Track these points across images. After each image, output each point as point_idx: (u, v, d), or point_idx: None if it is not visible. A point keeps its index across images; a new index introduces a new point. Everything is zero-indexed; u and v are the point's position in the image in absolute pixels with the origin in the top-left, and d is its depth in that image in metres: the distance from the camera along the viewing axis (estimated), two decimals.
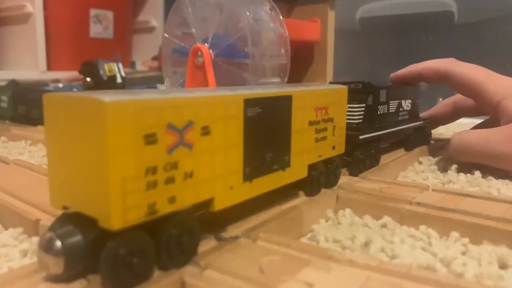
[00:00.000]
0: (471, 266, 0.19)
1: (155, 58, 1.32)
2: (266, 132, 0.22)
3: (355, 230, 0.24)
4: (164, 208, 0.16)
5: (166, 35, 0.48)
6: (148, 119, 0.16)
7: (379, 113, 0.37)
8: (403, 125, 0.41)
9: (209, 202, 0.19)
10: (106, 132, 0.14)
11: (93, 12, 1.22)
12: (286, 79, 0.44)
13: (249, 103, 0.20)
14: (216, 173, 0.19)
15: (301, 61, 0.59)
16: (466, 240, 0.22)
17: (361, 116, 0.35)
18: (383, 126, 0.37)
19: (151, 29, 1.46)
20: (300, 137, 0.25)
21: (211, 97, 0.18)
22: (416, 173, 0.38)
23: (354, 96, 0.34)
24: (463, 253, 0.21)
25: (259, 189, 0.22)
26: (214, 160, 0.19)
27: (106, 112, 0.14)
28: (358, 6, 1.13)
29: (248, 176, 0.21)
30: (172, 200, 0.17)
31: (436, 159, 0.43)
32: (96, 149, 0.15)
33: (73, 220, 0.16)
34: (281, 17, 0.44)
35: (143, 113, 0.15)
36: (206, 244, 0.18)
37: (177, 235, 0.17)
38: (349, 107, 0.32)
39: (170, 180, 0.17)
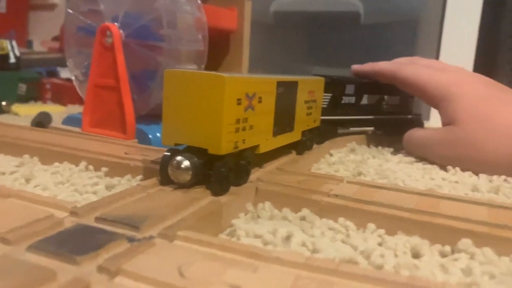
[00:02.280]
0: (388, 257, 0.19)
1: (56, 39, 1.20)
2: (285, 105, 0.32)
3: (275, 223, 0.23)
4: (240, 146, 0.26)
5: (70, 10, 0.43)
6: (239, 89, 0.25)
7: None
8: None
9: (256, 147, 0.29)
10: (223, 94, 0.23)
11: None
12: (203, 66, 0.42)
13: (279, 84, 0.30)
14: (262, 128, 0.29)
15: (216, 50, 0.57)
16: (382, 231, 0.23)
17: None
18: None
19: (51, 6, 1.33)
20: (300, 110, 0.35)
21: (263, 78, 0.28)
22: (328, 165, 0.39)
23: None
24: (380, 244, 0.22)
25: (279, 143, 0.32)
26: (261, 119, 0.28)
27: (225, 83, 0.23)
28: None
29: (275, 133, 0.31)
30: (243, 141, 0.26)
31: (345, 150, 0.45)
32: (215, 104, 0.24)
33: (184, 151, 0.25)
34: (199, 1, 0.41)
35: (237, 86, 0.25)
36: (116, 247, 0.16)
37: (245, 163, 0.27)
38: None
39: (243, 129, 0.26)
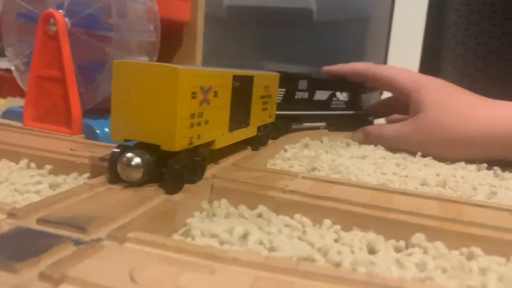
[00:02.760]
0: (345, 254, 0.19)
1: None
2: (240, 100, 0.31)
3: (231, 221, 0.23)
4: (195, 141, 0.25)
5: None
6: (194, 82, 0.24)
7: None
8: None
9: (211, 143, 0.28)
10: (177, 87, 0.22)
11: None
12: (155, 58, 0.40)
13: (235, 78, 0.29)
14: (217, 123, 0.28)
15: (169, 42, 0.55)
16: (338, 227, 0.23)
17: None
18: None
19: None
20: (255, 106, 0.34)
21: (219, 72, 0.27)
22: (283, 160, 0.39)
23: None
24: (336, 241, 0.22)
25: (235, 139, 0.32)
26: (217, 114, 0.28)
27: (179, 75, 0.22)
28: None
29: (231, 128, 0.30)
30: (198, 137, 0.25)
31: (299, 146, 0.45)
32: (168, 98, 0.22)
33: (134, 147, 0.24)
34: None
35: (192, 78, 0.24)
36: (60, 251, 0.15)
37: (200, 159, 0.26)
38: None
39: (198, 124, 0.25)
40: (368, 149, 0.46)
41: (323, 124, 0.54)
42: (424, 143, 0.43)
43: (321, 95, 0.50)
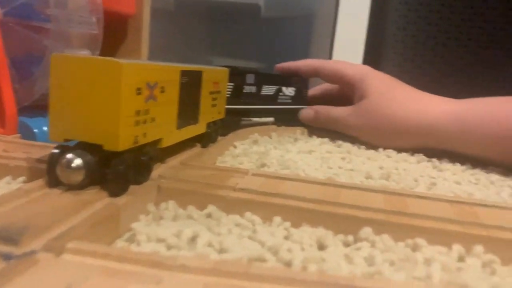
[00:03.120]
0: (296, 252, 0.19)
1: None
2: (188, 95, 0.30)
3: (179, 224, 0.22)
4: (141, 140, 0.24)
5: None
6: (139, 77, 0.23)
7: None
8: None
9: (158, 141, 0.27)
10: (120, 83, 0.21)
11: None
12: (97, 52, 0.38)
13: (183, 73, 0.29)
14: (165, 120, 0.27)
15: (112, 35, 0.53)
16: (288, 224, 0.23)
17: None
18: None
19: None
20: (204, 102, 0.34)
21: (166, 66, 0.27)
22: (232, 157, 0.38)
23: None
24: (286, 238, 0.21)
25: (183, 136, 0.31)
26: (164, 111, 0.27)
27: (122, 70, 0.21)
28: None
29: (179, 126, 0.29)
30: (144, 135, 0.24)
31: (249, 142, 0.45)
32: (111, 94, 0.21)
33: (75, 148, 0.22)
34: None
35: (137, 73, 0.23)
36: None
37: (146, 159, 0.25)
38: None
39: (144, 121, 0.24)
40: (314, 144, 0.47)
41: (272, 119, 0.54)
42: (364, 127, 0.47)
43: (268, 90, 0.51)
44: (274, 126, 0.53)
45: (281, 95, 0.53)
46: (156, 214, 0.23)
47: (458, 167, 0.41)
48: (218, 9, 1.16)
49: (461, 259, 0.20)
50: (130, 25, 0.55)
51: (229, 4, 1.12)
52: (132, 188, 0.23)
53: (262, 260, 0.18)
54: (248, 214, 0.23)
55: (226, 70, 0.39)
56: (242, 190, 0.25)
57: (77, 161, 0.21)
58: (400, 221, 0.22)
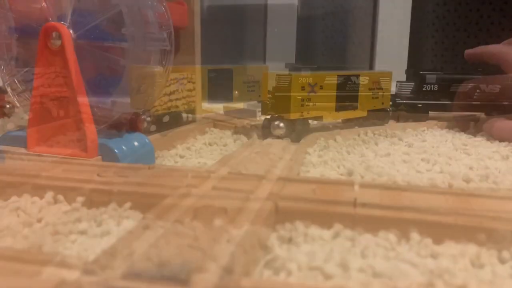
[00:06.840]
0: (460, 274, 0.17)
1: None
2: (347, 91, 0.46)
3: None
4: (305, 115, 0.43)
5: None
6: (301, 80, 0.41)
7: None
8: None
9: (321, 117, 0.45)
10: (291, 84, 0.41)
11: None
12: (170, 67, 0.37)
13: (339, 78, 0.45)
14: (324, 106, 0.44)
15: None
16: (428, 241, 0.21)
17: None
18: None
19: None
20: (363, 95, 0.48)
21: (321, 74, 0.43)
22: (313, 166, 0.37)
23: None
24: (433, 257, 0.20)
25: (341, 117, 0.47)
26: (324, 99, 0.43)
27: (293, 77, 0.41)
28: None
29: (338, 109, 0.45)
30: (308, 112, 0.43)
31: (318, 147, 0.43)
32: (288, 90, 0.41)
33: (276, 118, 0.42)
34: None
35: (301, 79, 0.41)
36: None
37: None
38: None
39: (307, 105, 0.42)
40: (384, 145, 0.45)
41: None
42: None
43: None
44: (337, 130, 0.51)
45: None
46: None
47: None
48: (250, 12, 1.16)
49: None
50: (183, 36, 0.54)
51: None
52: None
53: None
54: (382, 232, 0.22)
55: (390, 72, 0.50)
56: (364, 205, 0.23)
57: (281, 123, 0.41)
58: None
